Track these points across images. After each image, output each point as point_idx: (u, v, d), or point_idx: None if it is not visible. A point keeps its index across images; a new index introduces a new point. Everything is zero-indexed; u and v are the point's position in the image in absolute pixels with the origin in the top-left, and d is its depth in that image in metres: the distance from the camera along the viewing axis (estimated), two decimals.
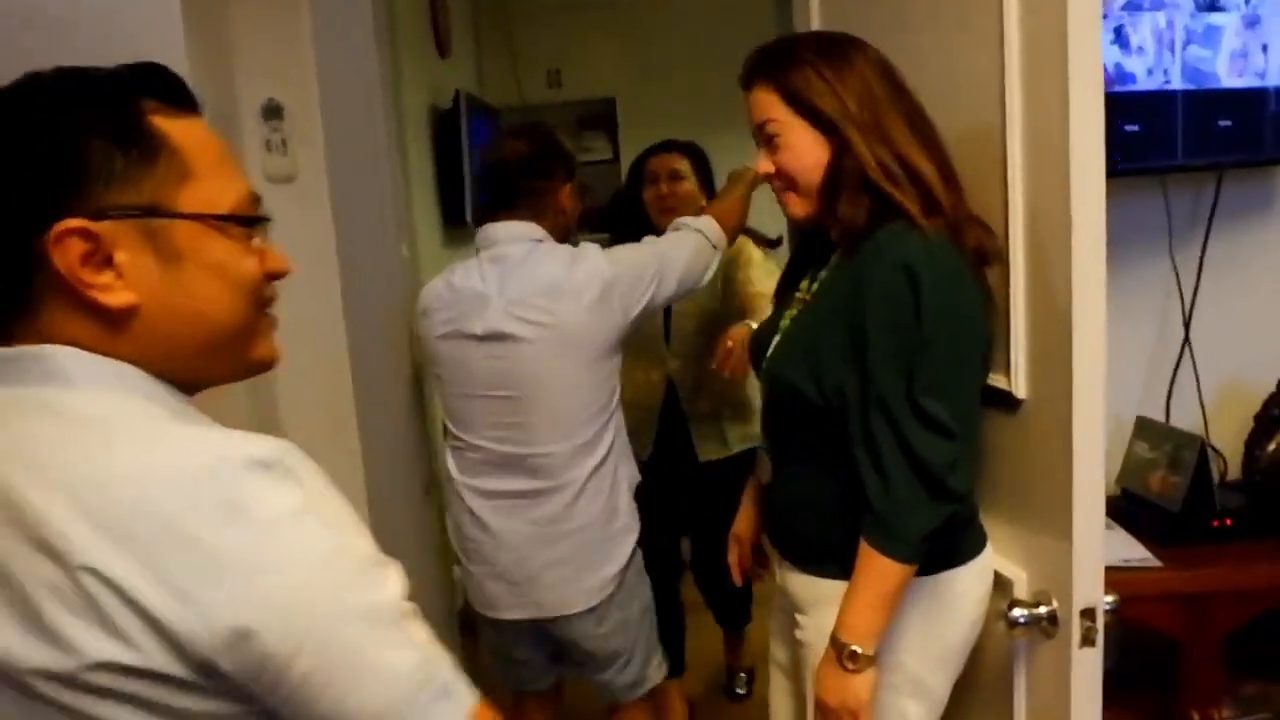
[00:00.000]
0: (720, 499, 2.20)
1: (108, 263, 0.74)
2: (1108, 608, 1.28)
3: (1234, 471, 2.07)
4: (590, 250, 2.03)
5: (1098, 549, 1.27)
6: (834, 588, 1.39)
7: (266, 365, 0.86)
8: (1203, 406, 2.08)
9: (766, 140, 1.41)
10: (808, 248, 1.58)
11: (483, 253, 2.05)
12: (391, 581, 0.75)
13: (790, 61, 1.38)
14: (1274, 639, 1.98)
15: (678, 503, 2.70)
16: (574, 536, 2.00)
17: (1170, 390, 2.08)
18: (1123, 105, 1.79)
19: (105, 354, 0.76)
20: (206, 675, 0.68)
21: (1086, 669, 1.28)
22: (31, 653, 0.67)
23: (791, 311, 1.52)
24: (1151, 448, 1.97)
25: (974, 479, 1.37)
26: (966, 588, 1.43)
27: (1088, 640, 1.27)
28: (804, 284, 1.53)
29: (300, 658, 0.69)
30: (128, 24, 2.02)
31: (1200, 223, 2.04)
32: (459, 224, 3.71)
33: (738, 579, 1.78)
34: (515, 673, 2.21)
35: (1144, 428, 2.03)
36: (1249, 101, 1.89)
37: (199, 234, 0.78)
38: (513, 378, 1.96)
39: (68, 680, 0.67)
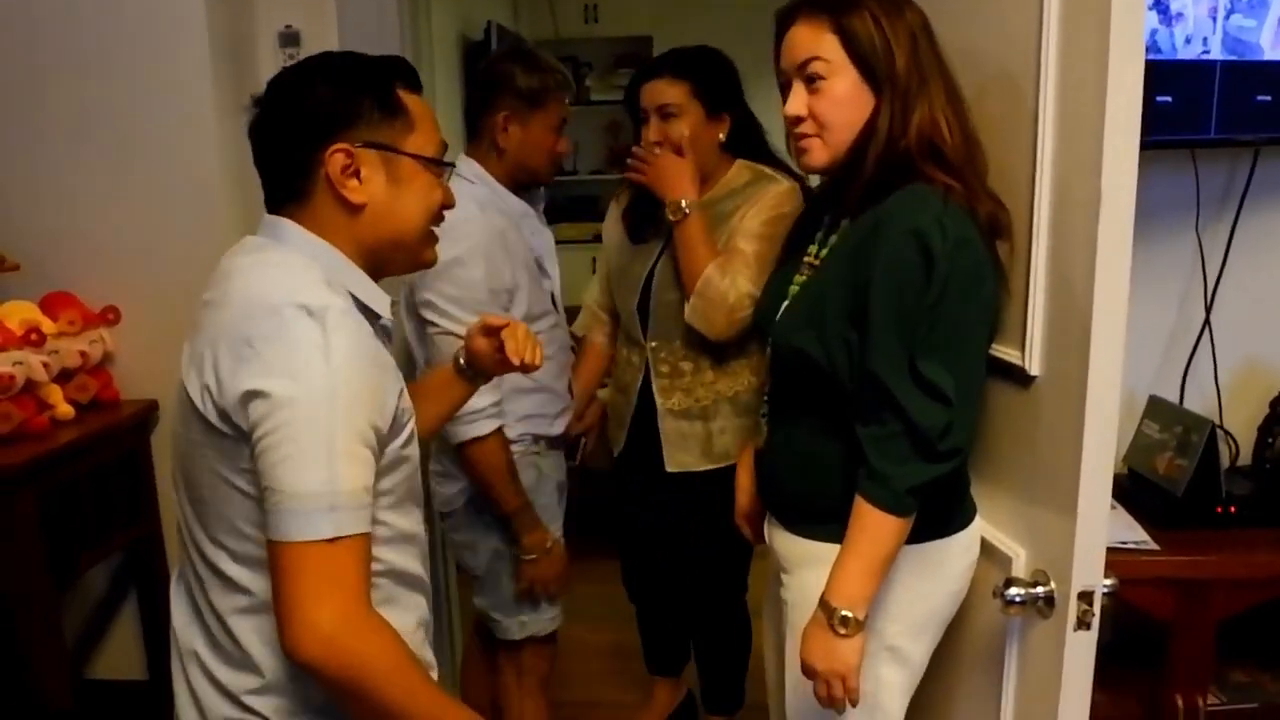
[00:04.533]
0: (687, 522, 2.18)
1: (356, 175, 1.16)
2: (1106, 591, 1.26)
3: (1245, 457, 2.03)
4: (462, 228, 1.73)
5: (1101, 532, 1.24)
6: (820, 549, 1.40)
7: (427, 263, 1.29)
8: (1218, 389, 2.04)
9: (807, 79, 1.35)
10: (816, 209, 1.54)
11: None
12: (354, 438, 1.06)
13: (851, 2, 1.33)
14: (1269, 627, 1.97)
15: (650, 519, 2.33)
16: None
17: (1186, 371, 2.04)
18: (1157, 74, 1.70)
19: (336, 231, 1.17)
20: (225, 421, 1.07)
21: (1080, 652, 1.26)
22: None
23: (800, 276, 1.48)
24: (1162, 429, 1.94)
25: (968, 445, 1.34)
26: (952, 558, 1.43)
27: (1083, 623, 1.26)
28: (811, 248, 1.49)
29: (271, 422, 1.03)
30: None
31: (1231, 201, 1.98)
32: None
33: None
34: None
35: (1155, 407, 1.99)
36: None
37: (414, 169, 1.20)
38: None
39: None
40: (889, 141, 1.32)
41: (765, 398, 1.56)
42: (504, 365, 1.43)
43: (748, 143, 2.12)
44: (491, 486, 1.94)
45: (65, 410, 2.06)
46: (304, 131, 1.15)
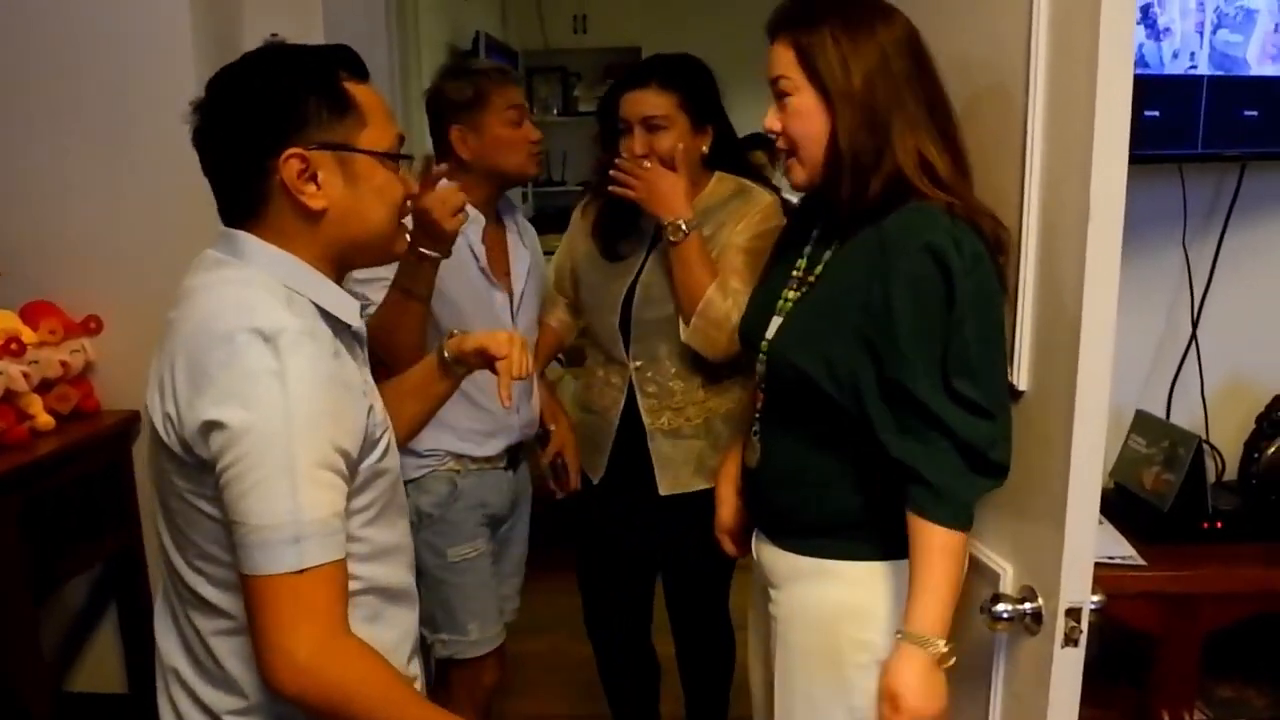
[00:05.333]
0: (690, 538, 1.98)
1: (313, 179, 1.11)
2: (1093, 607, 1.26)
3: (1231, 471, 2.04)
4: None
5: (1089, 549, 1.24)
6: (811, 564, 1.40)
7: (399, 255, 1.29)
8: (1204, 403, 2.04)
9: (778, 96, 1.37)
10: (801, 221, 1.54)
11: None
12: (317, 464, 1.03)
13: (810, 22, 1.32)
14: (1255, 643, 1.96)
15: (635, 542, 2.18)
16: None
17: (1173, 385, 2.05)
18: (1145, 89, 1.70)
19: (297, 238, 1.13)
20: (187, 451, 1.05)
21: (1067, 669, 1.25)
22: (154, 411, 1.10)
23: (791, 292, 1.46)
24: (1148, 444, 1.94)
25: (1011, 454, 1.32)
26: None
27: (1071, 640, 1.25)
28: (800, 262, 1.48)
29: (231, 454, 1.01)
30: None
31: (1218, 215, 1.98)
32: None
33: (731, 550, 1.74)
34: None
35: (1142, 422, 1.99)
36: (1279, 91, 1.82)
37: (371, 165, 1.14)
38: None
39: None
40: (855, 160, 1.30)
41: (757, 414, 1.55)
42: (493, 370, 1.38)
43: (726, 155, 2.07)
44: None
45: (45, 420, 2.04)
46: (252, 138, 1.10)
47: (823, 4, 1.35)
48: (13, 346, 1.97)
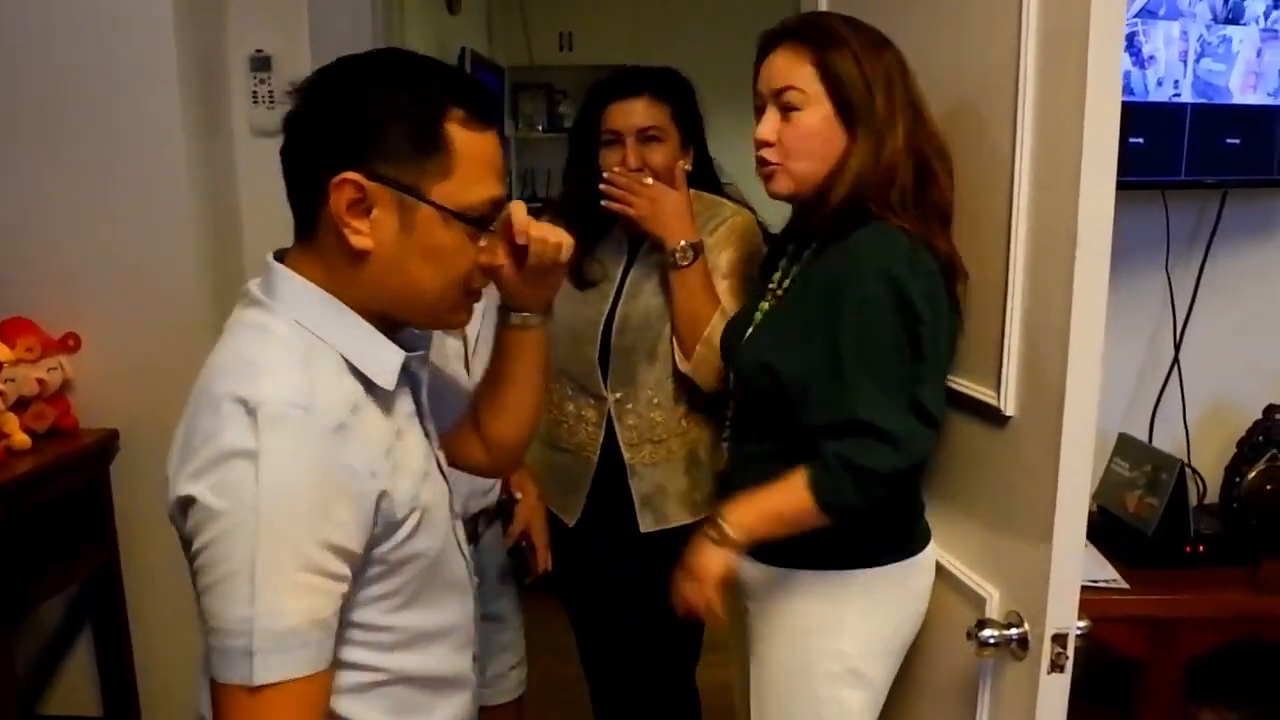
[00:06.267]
0: (665, 584, 1.71)
1: (366, 213, 0.96)
2: (1079, 633, 1.26)
3: (1212, 495, 2.04)
4: None
5: (1075, 574, 1.24)
6: (787, 575, 1.43)
7: (456, 326, 1.10)
8: (1186, 427, 2.05)
9: (782, 107, 1.37)
10: (781, 242, 1.56)
11: None
12: (289, 566, 0.88)
13: (833, 38, 1.34)
14: (1238, 667, 1.97)
15: (620, 576, 1.96)
16: None
17: (1155, 408, 2.06)
18: (1129, 116, 1.72)
19: (337, 275, 0.99)
20: (174, 521, 0.93)
21: (1053, 695, 1.25)
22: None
23: (765, 305, 1.50)
24: (1131, 467, 1.94)
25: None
26: (911, 581, 1.45)
27: (1057, 666, 1.24)
28: (775, 276, 1.51)
29: (199, 539, 0.88)
30: None
31: (1200, 241, 2.00)
32: None
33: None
34: None
35: (1125, 446, 2.00)
36: (1260, 119, 1.85)
37: (434, 221, 0.97)
38: None
39: None
40: (857, 179, 1.33)
41: (728, 421, 1.56)
42: (541, 274, 1.16)
43: (701, 173, 1.93)
44: None
45: (21, 440, 2.01)
46: (317, 148, 0.96)
47: (838, 22, 1.38)
48: None
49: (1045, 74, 1.25)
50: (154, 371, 2.15)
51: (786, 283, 1.47)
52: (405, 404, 1.06)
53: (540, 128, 6.05)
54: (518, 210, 1.12)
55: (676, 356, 1.81)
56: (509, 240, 1.12)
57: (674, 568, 1.43)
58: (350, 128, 0.95)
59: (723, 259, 1.85)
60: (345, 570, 0.92)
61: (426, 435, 1.11)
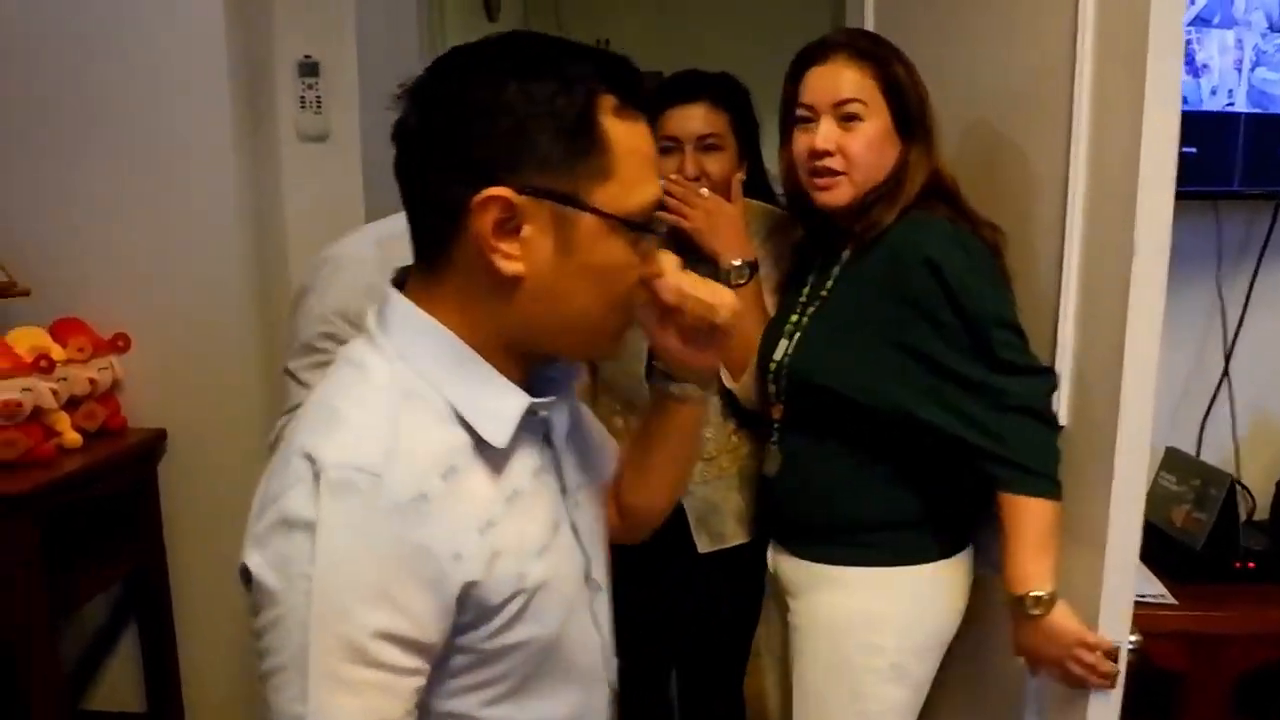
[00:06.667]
0: (722, 606, 1.79)
1: (515, 233, 0.80)
2: (1130, 647, 1.24)
3: (1262, 511, 2.01)
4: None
5: (1128, 588, 1.23)
6: (832, 572, 1.45)
7: (612, 356, 0.95)
8: (1235, 442, 2.02)
9: (844, 118, 1.40)
10: (810, 245, 1.57)
11: None
12: (343, 658, 0.75)
13: (891, 51, 1.41)
14: None
15: (666, 606, 1.87)
16: None
17: (1204, 422, 2.03)
18: (1183, 125, 1.70)
19: (472, 305, 0.83)
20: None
21: (1104, 710, 1.24)
22: None
23: (798, 315, 1.51)
24: (1179, 481, 1.92)
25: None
26: (954, 579, 1.46)
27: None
28: (805, 287, 1.52)
29: (258, 622, 0.77)
30: None
31: (1251, 252, 1.97)
32: None
33: None
34: None
35: (1173, 460, 1.97)
36: None
37: (598, 231, 0.81)
38: None
39: None
40: (922, 184, 1.38)
41: (775, 424, 1.54)
42: (698, 333, 0.96)
43: (754, 182, 1.83)
44: None
45: (73, 438, 2.04)
46: (450, 161, 0.80)
47: (885, 40, 1.44)
48: (42, 363, 1.98)
49: (1101, 83, 1.24)
50: (201, 372, 2.19)
51: (829, 285, 1.47)
52: (529, 459, 0.88)
53: None
54: (669, 265, 0.92)
55: (724, 375, 1.73)
56: (658, 299, 0.93)
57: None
58: (488, 133, 0.79)
59: (779, 274, 1.75)
60: (417, 663, 0.78)
61: (563, 491, 0.93)
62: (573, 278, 0.82)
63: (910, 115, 1.39)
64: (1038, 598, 1.28)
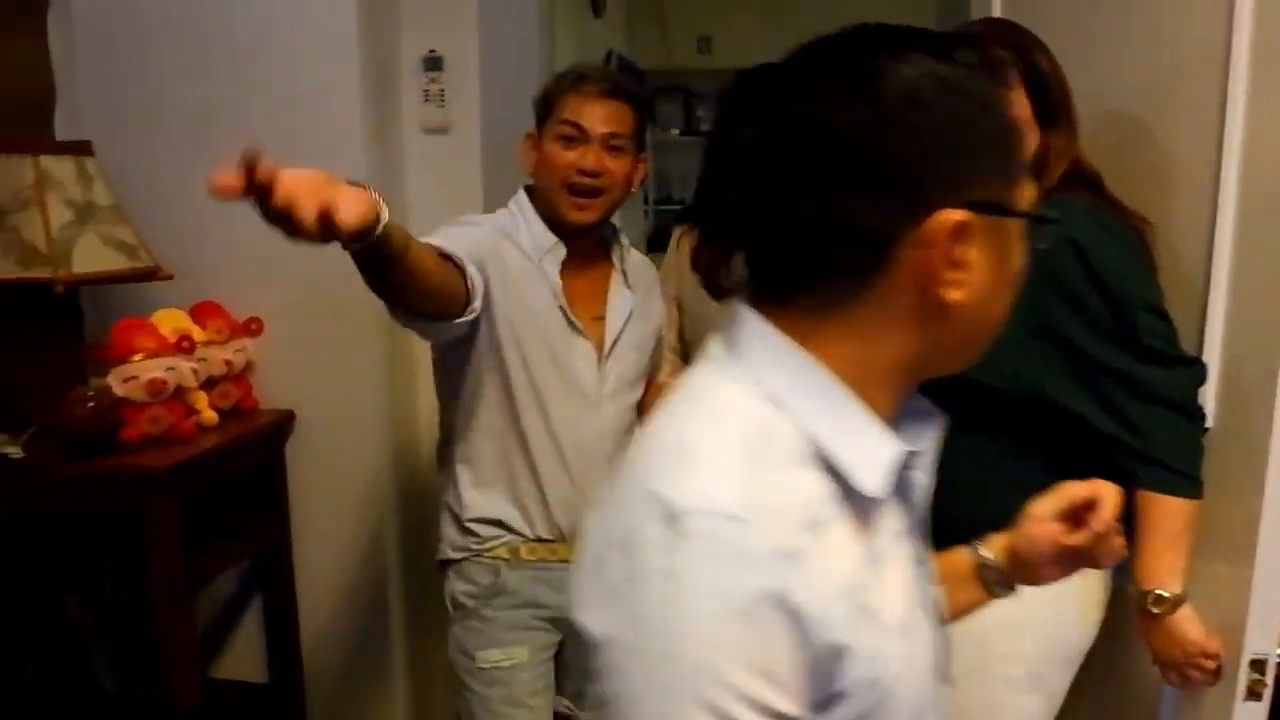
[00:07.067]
0: None
1: (963, 257, 0.67)
2: (1279, 659, 1.21)
3: None
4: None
5: (1277, 600, 1.19)
6: None
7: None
8: None
9: None
10: None
11: None
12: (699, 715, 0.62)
13: (1031, 40, 1.41)
14: None
15: None
16: None
17: None
18: None
19: (875, 342, 0.70)
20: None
21: None
22: None
23: None
24: None
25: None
26: (1093, 589, 1.42)
27: (1254, 693, 1.21)
28: None
29: (600, 688, 0.65)
30: None
31: None
32: None
33: None
34: None
35: None
36: None
37: (1019, 234, 0.71)
38: None
39: None
40: (1067, 168, 1.37)
41: None
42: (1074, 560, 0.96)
43: None
44: None
45: (210, 416, 2.13)
46: (867, 184, 0.66)
47: (1024, 29, 1.43)
48: (184, 344, 2.07)
49: (1258, 78, 1.20)
50: (329, 356, 2.26)
51: None
52: (892, 518, 0.75)
53: (676, 131, 6.09)
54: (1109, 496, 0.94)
55: None
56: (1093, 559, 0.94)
57: None
58: (927, 147, 0.66)
59: None
60: None
61: (919, 562, 0.80)
62: (1000, 288, 0.71)
63: (1052, 103, 1.38)
64: (1160, 596, 1.27)
